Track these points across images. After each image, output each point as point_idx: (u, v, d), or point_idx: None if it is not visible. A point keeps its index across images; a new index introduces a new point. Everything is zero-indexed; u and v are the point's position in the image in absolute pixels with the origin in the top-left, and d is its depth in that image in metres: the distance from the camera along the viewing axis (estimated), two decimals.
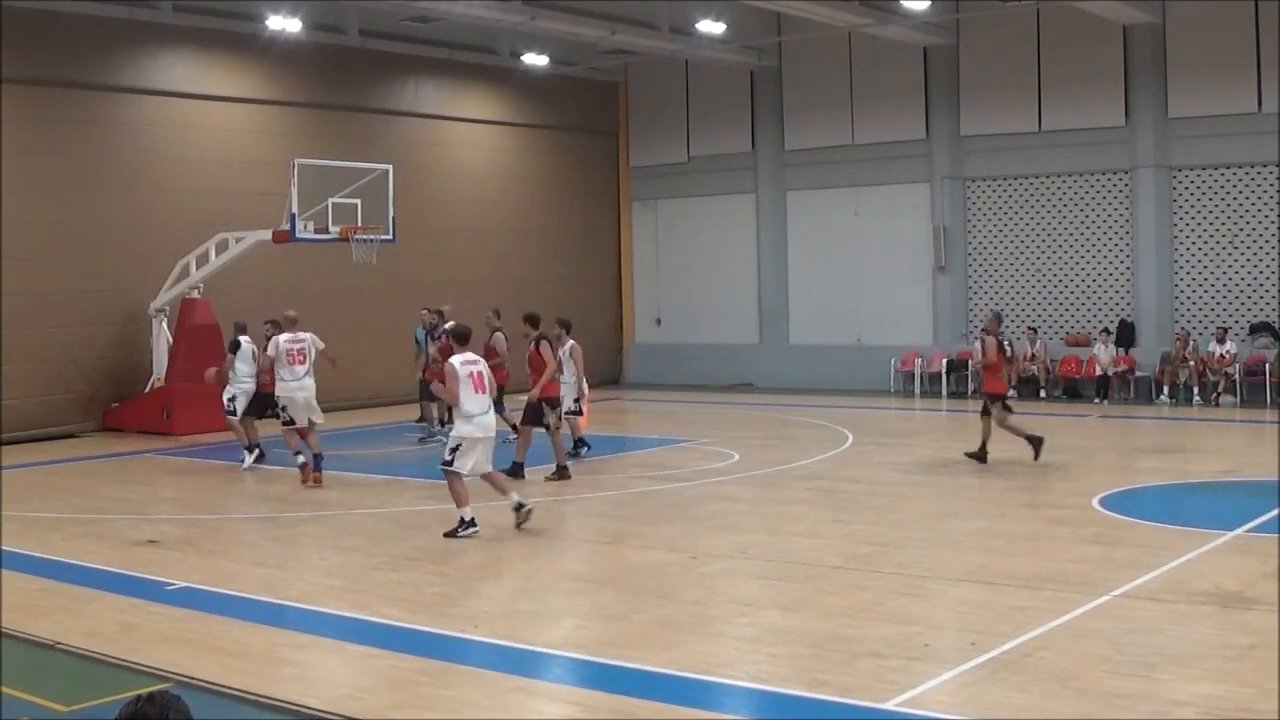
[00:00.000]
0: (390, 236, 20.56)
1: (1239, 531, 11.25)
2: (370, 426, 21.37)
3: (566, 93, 28.88)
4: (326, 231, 19.67)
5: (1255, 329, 22.99)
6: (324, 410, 22.41)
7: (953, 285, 26.34)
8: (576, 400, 16.61)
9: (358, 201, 20.01)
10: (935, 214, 26.39)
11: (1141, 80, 23.95)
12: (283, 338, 15.66)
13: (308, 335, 15.96)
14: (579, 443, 16.72)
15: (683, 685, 7.39)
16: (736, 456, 16.94)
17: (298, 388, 15.52)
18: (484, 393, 11.93)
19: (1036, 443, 15.36)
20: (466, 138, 27.48)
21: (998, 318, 16.77)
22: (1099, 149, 24.51)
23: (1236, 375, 22.49)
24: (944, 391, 25.56)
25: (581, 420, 16.85)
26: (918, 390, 25.98)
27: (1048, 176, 25.30)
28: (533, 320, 15.64)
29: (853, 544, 11.29)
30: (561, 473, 14.98)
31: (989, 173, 25.96)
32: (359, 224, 19.92)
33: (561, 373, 15.97)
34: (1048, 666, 7.46)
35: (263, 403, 17.11)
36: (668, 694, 7.26)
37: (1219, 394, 22.47)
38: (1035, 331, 24.81)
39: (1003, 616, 8.60)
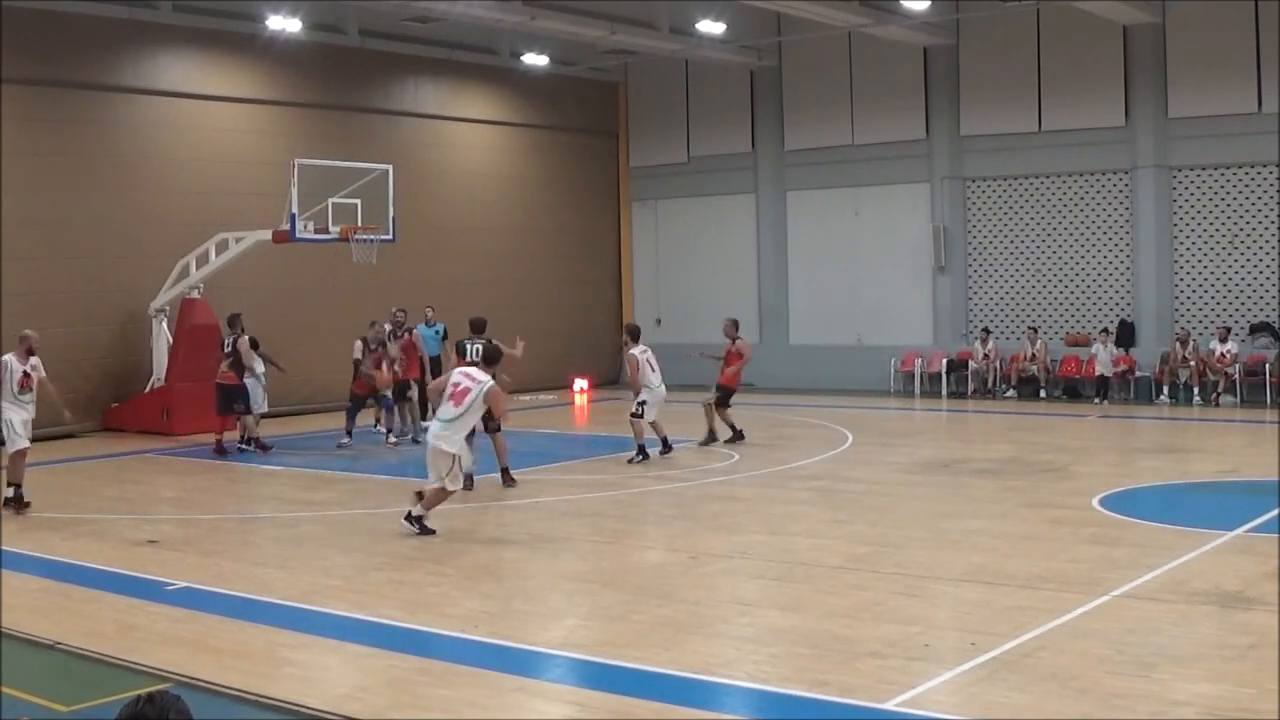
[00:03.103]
0: (390, 236, 20.56)
1: (1239, 531, 11.25)
2: (370, 426, 21.33)
3: (566, 93, 28.88)
4: (326, 231, 19.67)
5: (1255, 329, 23.00)
6: (321, 410, 22.49)
7: (953, 285, 26.34)
8: (641, 404, 16.60)
9: (358, 201, 20.02)
10: (935, 214, 26.39)
11: (1141, 80, 23.95)
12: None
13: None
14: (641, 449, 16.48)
15: (683, 685, 7.39)
16: (736, 456, 16.94)
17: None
18: (457, 405, 11.81)
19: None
20: (466, 138, 27.49)
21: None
22: (1099, 149, 24.51)
23: (1237, 375, 22.49)
24: (944, 391, 25.55)
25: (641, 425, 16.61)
26: (918, 390, 25.98)
27: (1048, 176, 25.30)
28: (475, 326, 15.35)
29: (853, 544, 11.28)
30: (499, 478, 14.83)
31: (989, 173, 25.97)
32: (359, 224, 19.92)
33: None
34: (1048, 666, 7.46)
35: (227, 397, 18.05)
36: (668, 694, 7.26)
37: (1219, 394, 22.46)
38: (1036, 331, 24.81)
39: (1003, 616, 8.60)
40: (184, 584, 10.13)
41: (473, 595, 9.76)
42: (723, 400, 17.91)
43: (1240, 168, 23.30)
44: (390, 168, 20.72)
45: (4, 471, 13.73)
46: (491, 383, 12.07)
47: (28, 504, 13.52)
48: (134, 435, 20.26)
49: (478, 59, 27.07)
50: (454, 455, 11.80)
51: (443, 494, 11.90)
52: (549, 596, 9.77)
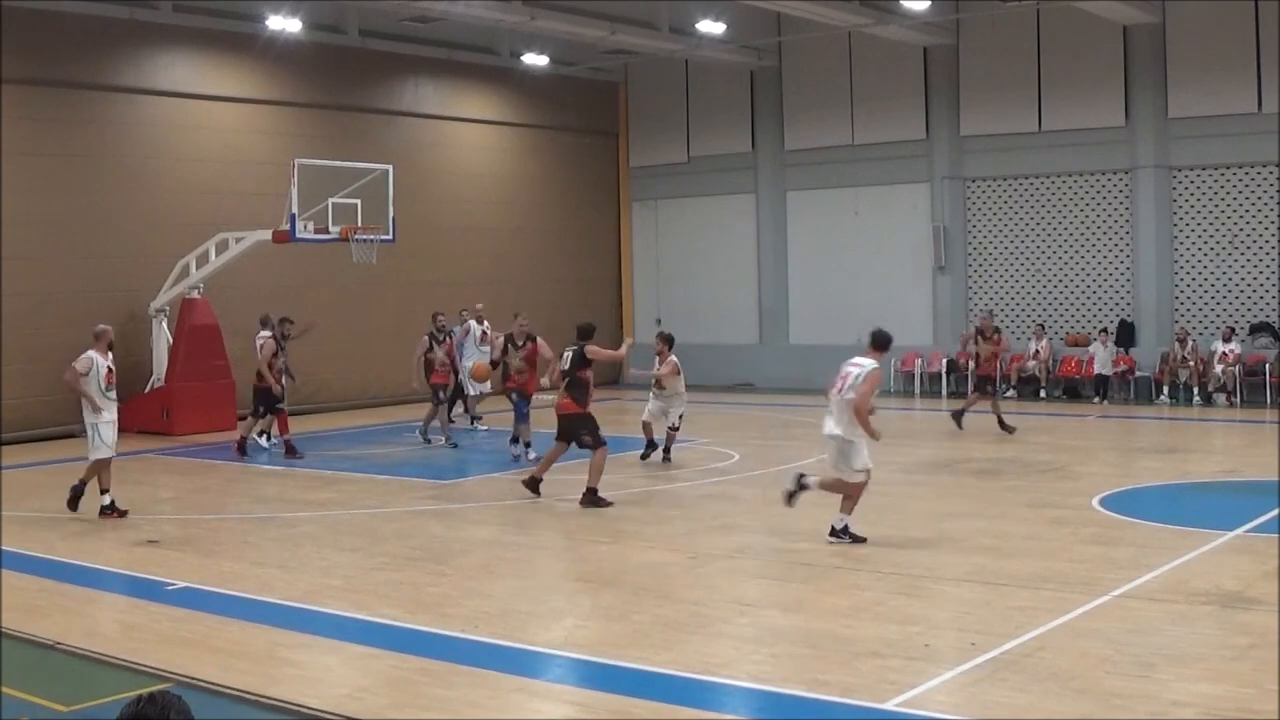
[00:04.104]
0: (390, 236, 20.56)
1: (1239, 531, 11.25)
2: (371, 426, 21.37)
3: (566, 93, 28.88)
4: (326, 231, 19.67)
5: (1255, 329, 23.00)
6: (322, 410, 22.43)
7: (953, 285, 26.34)
8: (680, 416, 16.69)
9: (358, 201, 20.02)
10: (935, 214, 26.39)
11: (1141, 80, 23.95)
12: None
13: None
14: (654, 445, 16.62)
15: (683, 685, 7.39)
16: (736, 456, 16.95)
17: None
18: (839, 391, 11.12)
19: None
20: (466, 138, 27.48)
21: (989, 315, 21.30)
22: (1099, 149, 24.51)
23: (1236, 375, 22.48)
24: (944, 391, 25.54)
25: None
26: (918, 390, 25.98)
27: (1048, 176, 25.30)
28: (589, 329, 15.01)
29: (853, 544, 11.27)
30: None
31: (989, 173, 25.97)
32: (359, 224, 19.92)
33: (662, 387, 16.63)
34: (1048, 666, 7.46)
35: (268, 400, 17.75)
36: (668, 694, 7.26)
37: (1230, 392, 22.39)
38: (1044, 328, 24.80)
39: (1003, 616, 8.60)
40: (184, 584, 10.13)
41: (473, 595, 9.76)
42: (993, 389, 20.11)
43: (1240, 168, 23.30)
44: (390, 168, 20.72)
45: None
46: (873, 367, 11.03)
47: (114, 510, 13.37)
48: (134, 435, 20.20)
49: (478, 59, 27.06)
50: (835, 439, 11.05)
51: (841, 487, 11.15)
52: (549, 596, 9.77)
